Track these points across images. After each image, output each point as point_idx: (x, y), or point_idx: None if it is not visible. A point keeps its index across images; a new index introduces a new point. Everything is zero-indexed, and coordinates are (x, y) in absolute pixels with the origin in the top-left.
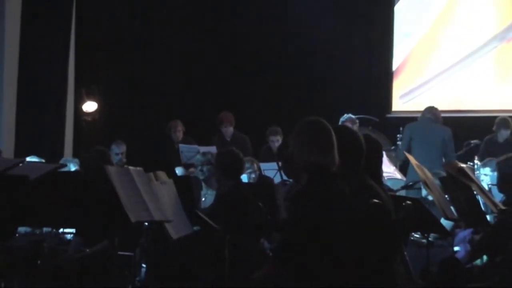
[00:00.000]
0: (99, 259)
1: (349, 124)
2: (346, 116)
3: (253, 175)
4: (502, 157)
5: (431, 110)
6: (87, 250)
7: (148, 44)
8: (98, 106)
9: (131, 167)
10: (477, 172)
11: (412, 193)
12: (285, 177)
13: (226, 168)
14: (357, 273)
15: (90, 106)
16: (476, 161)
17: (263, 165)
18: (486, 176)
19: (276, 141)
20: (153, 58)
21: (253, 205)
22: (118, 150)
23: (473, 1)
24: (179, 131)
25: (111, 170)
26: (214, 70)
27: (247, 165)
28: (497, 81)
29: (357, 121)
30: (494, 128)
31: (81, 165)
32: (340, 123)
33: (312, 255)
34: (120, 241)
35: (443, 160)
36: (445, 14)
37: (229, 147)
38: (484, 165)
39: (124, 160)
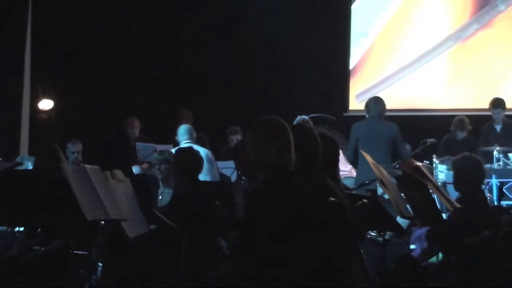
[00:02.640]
0: (55, 258)
1: None
2: (299, 118)
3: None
4: (457, 156)
5: (375, 105)
6: (43, 248)
7: (104, 42)
8: (54, 104)
9: (87, 166)
10: (435, 170)
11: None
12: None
13: (184, 166)
14: (314, 272)
15: (46, 104)
16: (434, 160)
17: (220, 163)
18: (442, 173)
19: (236, 140)
20: (109, 56)
21: (210, 204)
22: (74, 149)
23: (429, 1)
24: (136, 128)
25: (68, 168)
26: (172, 68)
27: None
28: (452, 81)
29: (311, 122)
30: (451, 128)
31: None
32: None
33: (269, 254)
34: (76, 240)
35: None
36: (401, 13)
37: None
38: (441, 163)
39: (80, 158)
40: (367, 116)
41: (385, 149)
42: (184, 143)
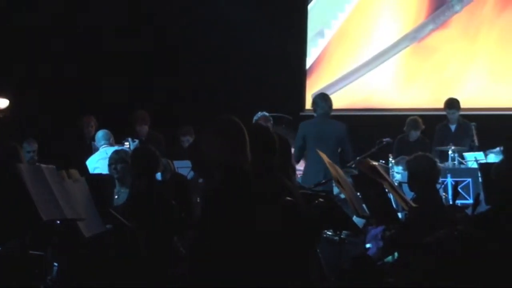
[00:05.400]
0: (10, 258)
1: (263, 122)
2: (259, 114)
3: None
4: (411, 156)
5: (322, 102)
6: None
7: (60, 40)
8: (10, 103)
9: (43, 165)
10: (391, 170)
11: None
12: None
13: (141, 165)
14: (271, 272)
15: (1, 103)
16: (390, 159)
17: (176, 163)
18: (398, 174)
19: (187, 141)
20: (65, 55)
21: (167, 203)
22: (30, 148)
23: (385, 1)
24: (92, 127)
25: (22, 167)
26: (128, 67)
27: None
28: (408, 80)
29: (271, 119)
30: (405, 128)
31: None
32: (253, 121)
33: (226, 255)
34: (31, 240)
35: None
36: (357, 13)
37: (145, 145)
38: (396, 164)
39: (36, 158)
40: (315, 114)
41: (333, 149)
42: (102, 148)
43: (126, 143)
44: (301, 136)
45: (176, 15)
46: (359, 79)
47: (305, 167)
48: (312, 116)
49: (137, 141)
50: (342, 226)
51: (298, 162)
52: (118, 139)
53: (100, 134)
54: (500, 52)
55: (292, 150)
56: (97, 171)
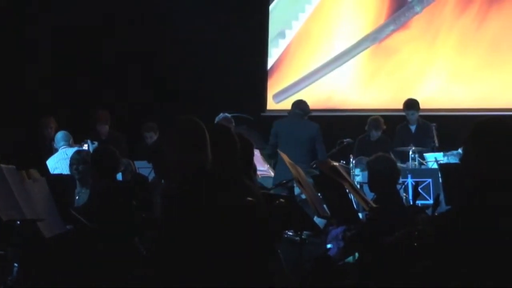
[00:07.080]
0: None
1: (224, 124)
2: (221, 115)
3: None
4: (372, 157)
5: (299, 104)
6: None
7: (20, 39)
8: None
9: (2, 165)
10: (352, 170)
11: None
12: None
13: (101, 166)
14: (232, 273)
15: None
16: (351, 160)
17: (138, 163)
18: (358, 175)
19: (150, 137)
20: (24, 54)
21: (128, 204)
22: None
23: (346, 2)
24: (51, 128)
25: None
26: (88, 67)
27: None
28: (369, 81)
29: (233, 120)
30: (366, 128)
31: None
32: (215, 122)
33: (186, 255)
34: None
35: (316, 157)
36: (318, 14)
37: (105, 145)
38: (356, 164)
39: None
40: (288, 114)
41: (305, 149)
42: (62, 149)
43: (85, 145)
44: (274, 133)
45: (137, 17)
46: (320, 79)
47: (276, 167)
48: (280, 117)
49: (96, 143)
50: (303, 227)
51: (270, 155)
52: (77, 139)
53: (60, 135)
54: (459, 53)
55: (256, 151)
56: (57, 172)
